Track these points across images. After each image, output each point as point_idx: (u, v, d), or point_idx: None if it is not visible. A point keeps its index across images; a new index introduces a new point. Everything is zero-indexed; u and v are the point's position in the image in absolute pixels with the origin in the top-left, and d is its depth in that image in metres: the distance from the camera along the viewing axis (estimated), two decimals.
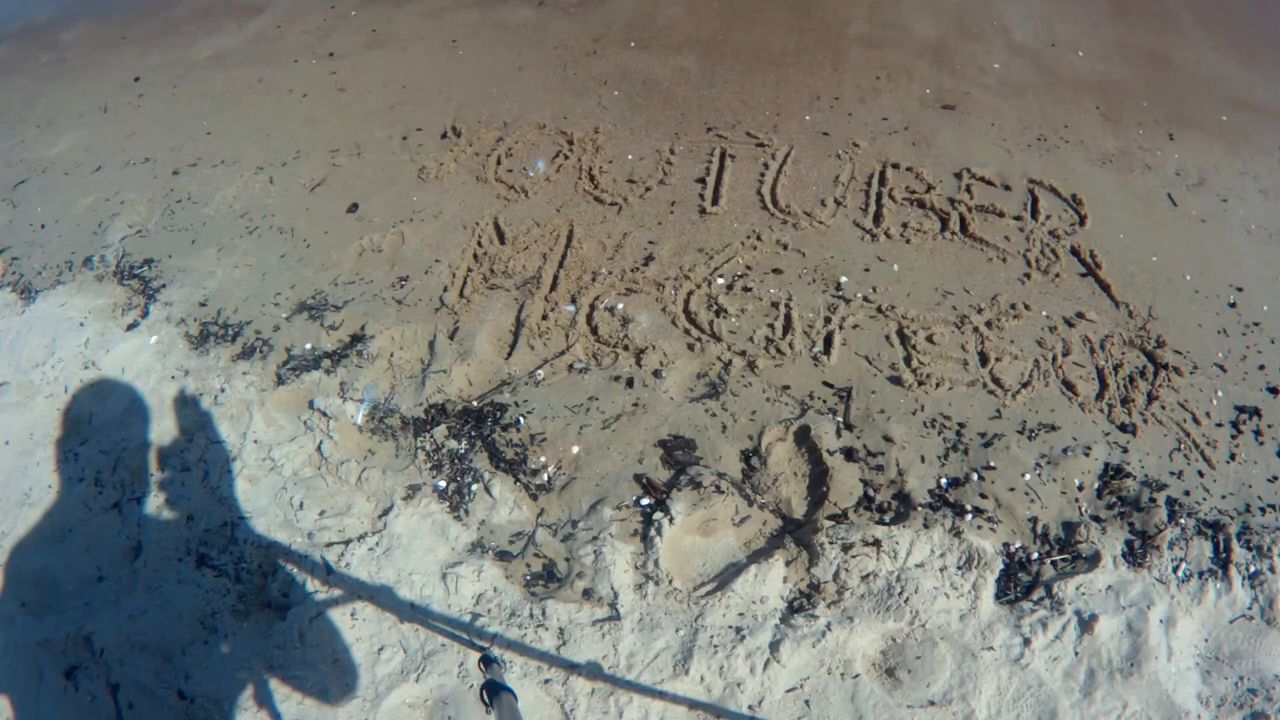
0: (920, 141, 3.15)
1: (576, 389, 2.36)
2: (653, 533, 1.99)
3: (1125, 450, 2.11)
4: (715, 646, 1.80)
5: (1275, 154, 3.14)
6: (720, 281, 2.61)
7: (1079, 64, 3.65)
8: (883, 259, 2.66)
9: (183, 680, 1.90)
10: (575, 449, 2.22)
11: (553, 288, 2.66)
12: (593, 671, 1.79)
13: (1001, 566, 1.90)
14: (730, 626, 1.83)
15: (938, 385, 2.27)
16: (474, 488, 2.16)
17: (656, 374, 2.36)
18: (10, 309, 2.92)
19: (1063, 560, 1.92)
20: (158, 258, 3.02)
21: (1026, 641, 1.77)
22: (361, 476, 2.21)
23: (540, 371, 2.40)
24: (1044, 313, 2.47)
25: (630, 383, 2.35)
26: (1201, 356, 2.35)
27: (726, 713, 1.73)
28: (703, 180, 3.02)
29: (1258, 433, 2.16)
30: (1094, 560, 1.89)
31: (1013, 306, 2.48)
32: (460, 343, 2.50)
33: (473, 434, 2.27)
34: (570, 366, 2.41)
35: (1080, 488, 2.04)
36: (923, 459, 2.11)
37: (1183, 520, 1.96)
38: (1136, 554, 1.91)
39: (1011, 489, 2.03)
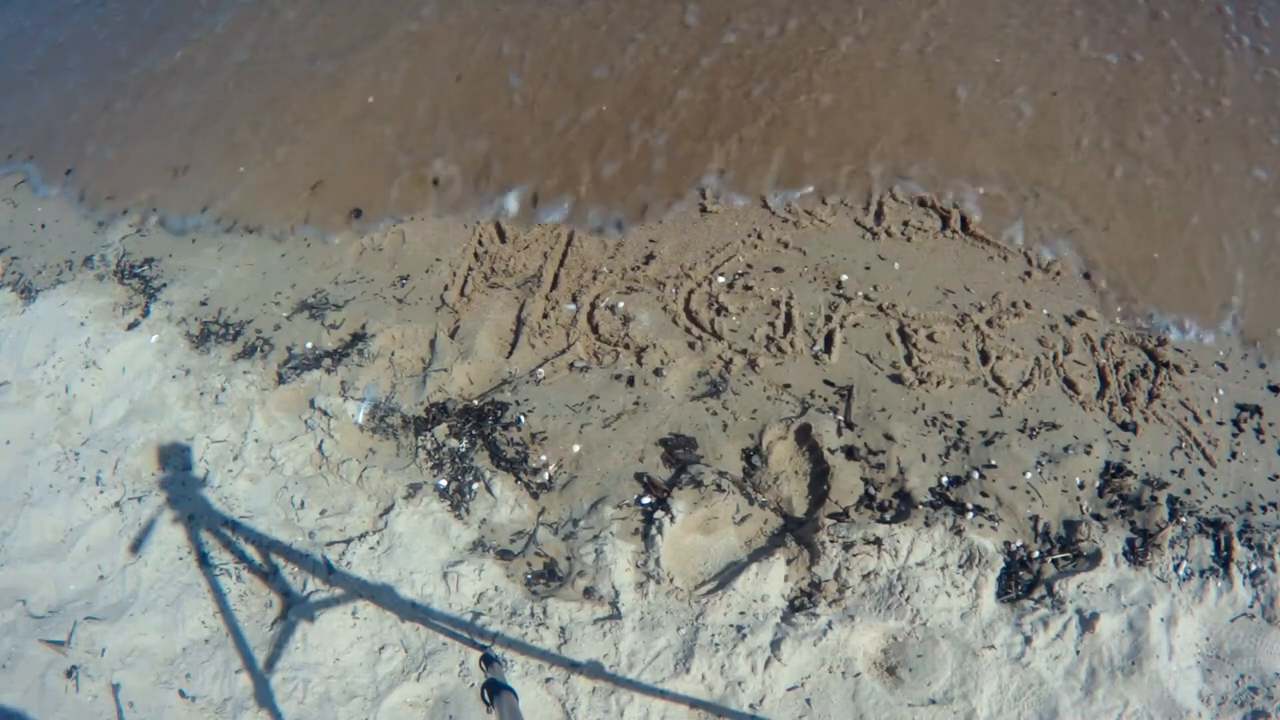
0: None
1: (577, 387, 2.36)
2: (654, 531, 1.99)
3: (1126, 448, 2.11)
4: (716, 645, 1.80)
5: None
6: (721, 280, 2.61)
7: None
8: (883, 257, 2.66)
9: (183, 680, 1.90)
10: (576, 447, 2.22)
11: (553, 286, 2.66)
12: (594, 670, 1.79)
13: (1003, 565, 1.90)
14: (731, 625, 1.83)
15: (939, 384, 2.27)
16: (475, 486, 2.16)
17: (657, 372, 2.35)
18: (10, 309, 2.91)
19: (1064, 559, 1.92)
20: (158, 257, 3.02)
21: (1028, 640, 1.77)
22: (362, 475, 2.21)
23: (541, 370, 2.40)
24: (1045, 311, 2.47)
25: (631, 381, 2.35)
26: (1202, 354, 2.35)
27: (728, 711, 1.73)
28: None
29: (1259, 431, 2.15)
30: (1095, 559, 1.89)
31: (1013, 305, 2.47)
32: (461, 341, 2.50)
33: (474, 433, 2.27)
34: (571, 365, 2.41)
35: (1081, 486, 2.04)
36: (924, 457, 2.11)
37: (1184, 518, 1.96)
38: (1138, 552, 1.90)
39: (1013, 487, 2.03)
